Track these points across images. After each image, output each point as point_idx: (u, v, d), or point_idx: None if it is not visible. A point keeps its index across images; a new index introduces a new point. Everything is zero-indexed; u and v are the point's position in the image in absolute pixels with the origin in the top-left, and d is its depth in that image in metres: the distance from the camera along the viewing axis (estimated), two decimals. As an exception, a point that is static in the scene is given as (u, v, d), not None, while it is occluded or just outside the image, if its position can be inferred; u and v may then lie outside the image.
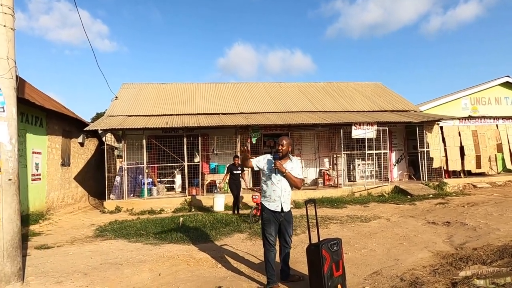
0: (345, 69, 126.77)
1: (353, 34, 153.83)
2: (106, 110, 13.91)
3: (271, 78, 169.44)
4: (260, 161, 4.02)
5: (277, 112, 13.91)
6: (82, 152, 13.60)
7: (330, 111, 14.17)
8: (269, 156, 3.97)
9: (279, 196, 3.91)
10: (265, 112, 13.88)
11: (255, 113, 13.74)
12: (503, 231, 6.15)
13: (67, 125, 11.91)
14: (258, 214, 7.36)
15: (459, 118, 13.84)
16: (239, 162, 9.02)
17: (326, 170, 13.56)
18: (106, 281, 4.38)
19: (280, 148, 3.93)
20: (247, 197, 10.60)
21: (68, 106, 14.44)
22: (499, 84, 16.03)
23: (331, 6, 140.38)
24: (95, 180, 14.56)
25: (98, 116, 32.64)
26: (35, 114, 9.72)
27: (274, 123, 11.68)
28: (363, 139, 12.38)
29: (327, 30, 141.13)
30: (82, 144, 13.47)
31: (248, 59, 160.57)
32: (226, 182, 9.70)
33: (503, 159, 14.36)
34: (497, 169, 14.65)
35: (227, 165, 9.93)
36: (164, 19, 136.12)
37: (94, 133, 14.09)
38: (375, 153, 12.71)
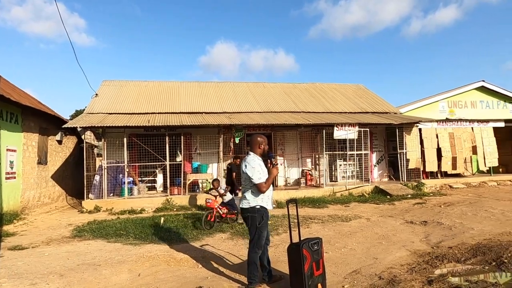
0: (327, 70, 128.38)
1: (336, 35, 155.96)
2: (85, 107, 13.57)
3: (253, 77, 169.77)
4: (263, 167, 3.90)
5: (260, 112, 13.93)
6: (60, 150, 13.23)
7: (313, 112, 14.31)
8: (256, 159, 3.91)
9: (271, 194, 4.00)
10: (249, 112, 13.88)
11: (239, 112, 13.72)
12: (477, 230, 6.38)
13: (44, 122, 11.55)
14: (213, 219, 7.24)
15: (437, 121, 14.27)
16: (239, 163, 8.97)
17: (309, 170, 13.69)
18: (83, 283, 4.28)
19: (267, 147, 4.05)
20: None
21: (46, 103, 14.04)
22: (475, 88, 16.60)
23: (314, 6, 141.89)
24: (73, 179, 14.19)
25: (78, 113, 31.81)
26: (10, 110, 9.38)
27: (257, 123, 11.69)
28: (344, 140, 12.57)
29: (310, 30, 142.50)
30: (60, 142, 13.10)
31: (230, 57, 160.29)
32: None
33: (477, 161, 14.90)
34: (472, 171, 15.17)
35: (228, 165, 9.98)
36: (144, 15, 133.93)
37: (73, 131, 13.73)
38: (356, 154, 12.93)
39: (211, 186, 8.35)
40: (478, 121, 14.71)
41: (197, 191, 12.16)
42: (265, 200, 3.86)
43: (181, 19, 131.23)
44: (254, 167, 3.77)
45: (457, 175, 14.41)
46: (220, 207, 7.54)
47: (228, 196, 7.93)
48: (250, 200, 3.82)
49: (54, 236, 7.05)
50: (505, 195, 11.03)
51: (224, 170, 12.35)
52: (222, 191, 7.89)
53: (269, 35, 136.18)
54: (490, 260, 4.60)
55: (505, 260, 4.48)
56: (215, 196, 7.92)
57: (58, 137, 12.72)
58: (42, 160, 11.37)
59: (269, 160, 3.98)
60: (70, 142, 14.38)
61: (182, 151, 11.62)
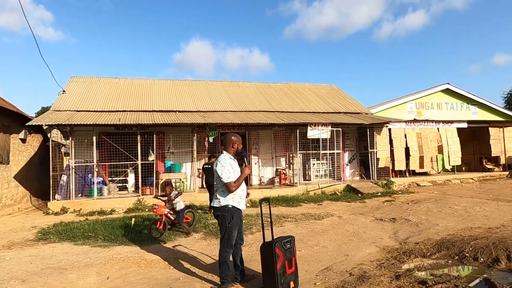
0: (302, 70, 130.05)
1: (310, 36, 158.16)
2: (52, 104, 12.98)
3: (229, 76, 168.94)
4: (234, 166, 3.86)
5: (235, 111, 13.89)
6: (24, 149, 12.57)
7: (287, 112, 14.44)
8: (228, 158, 3.88)
9: (245, 193, 3.98)
10: (223, 111, 13.80)
11: (213, 111, 13.61)
12: (441, 226, 6.67)
13: (6, 119, 10.92)
14: (162, 227, 6.56)
15: (405, 121, 14.80)
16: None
17: (283, 169, 13.81)
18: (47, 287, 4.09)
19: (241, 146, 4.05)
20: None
21: (9, 99, 13.29)
22: (441, 91, 17.38)
23: (289, 6, 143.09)
24: (38, 179, 13.53)
25: (44, 110, 30.40)
26: (-32, 107, 8.82)
27: (231, 122, 11.64)
28: (318, 140, 12.78)
29: (285, 30, 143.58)
30: (24, 141, 12.45)
31: (205, 55, 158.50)
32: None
33: (443, 160, 15.59)
34: (438, 169, 15.85)
35: (204, 165, 9.43)
36: (115, 10, 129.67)
37: (38, 129, 13.10)
38: (329, 153, 13.18)
39: (163, 192, 7.40)
40: (443, 121, 15.40)
41: (170, 191, 11.93)
42: (236, 200, 3.84)
43: (154, 14, 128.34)
44: (224, 166, 3.76)
45: (424, 174, 15.02)
46: (170, 212, 6.80)
47: (180, 205, 6.91)
48: (221, 200, 3.81)
49: (16, 240, 6.69)
50: (467, 192, 11.61)
51: (198, 169, 12.21)
52: (173, 197, 6.93)
53: (245, 34, 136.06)
54: (454, 254, 4.82)
55: (467, 254, 4.71)
56: (165, 202, 7.03)
57: (21, 135, 12.08)
58: (3, 160, 10.76)
59: (242, 159, 3.97)
60: (35, 141, 13.70)
61: (155, 150, 11.38)
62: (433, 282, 3.68)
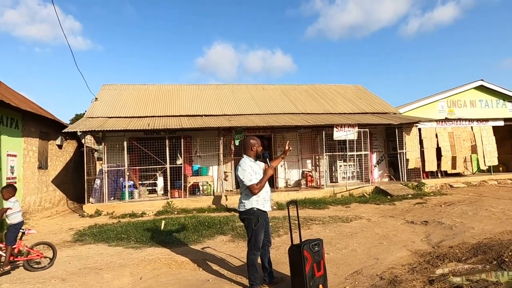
0: (325, 70, 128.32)
1: (333, 35, 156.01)
2: (85, 111, 13.60)
3: (251, 78, 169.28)
4: (255, 168, 3.90)
5: (260, 114, 13.95)
6: (60, 155, 13.25)
7: (313, 113, 14.33)
8: (248, 161, 3.92)
9: (269, 195, 4.00)
10: (248, 114, 13.90)
11: (238, 115, 13.74)
12: (477, 229, 6.38)
13: (44, 126, 11.58)
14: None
15: (436, 120, 14.28)
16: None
17: (309, 172, 13.70)
18: (85, 287, 4.29)
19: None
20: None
21: (46, 108, 14.06)
22: (474, 88, 16.62)
23: (311, 5, 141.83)
24: (74, 183, 14.19)
25: (78, 117, 31.85)
26: (10, 116, 9.40)
27: (257, 125, 11.71)
28: (344, 141, 12.58)
29: (307, 30, 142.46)
30: (60, 147, 13.12)
31: (227, 58, 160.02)
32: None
33: (477, 160, 14.90)
34: (472, 170, 15.18)
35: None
36: (139, 18, 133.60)
37: (73, 135, 13.75)
38: (356, 155, 12.93)
39: None
40: (478, 120, 14.72)
41: (198, 193, 12.16)
42: (261, 202, 3.87)
43: (175, 20, 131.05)
44: (245, 169, 3.80)
45: (457, 175, 14.42)
46: None
47: (15, 217, 4.97)
48: (245, 203, 3.86)
49: (55, 241, 7.04)
50: (505, 193, 11.03)
51: (224, 172, 12.36)
52: (7, 206, 4.91)
53: (266, 35, 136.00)
54: (491, 259, 4.61)
55: (506, 259, 4.49)
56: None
57: (58, 141, 12.74)
58: (42, 165, 11.38)
59: (264, 161, 3.99)
60: (70, 147, 14.40)
61: (182, 154, 11.63)
62: (470, 288, 3.54)
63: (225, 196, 10.97)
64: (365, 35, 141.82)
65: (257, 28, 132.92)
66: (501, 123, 14.79)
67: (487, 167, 14.77)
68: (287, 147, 4.14)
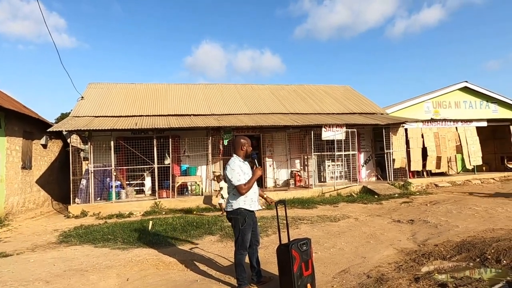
0: (314, 71, 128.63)
1: (321, 36, 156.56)
2: (71, 110, 13.35)
3: (240, 78, 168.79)
4: (244, 168, 3.89)
5: (249, 114, 13.94)
6: (45, 154, 12.98)
7: (301, 113, 14.40)
8: (237, 161, 3.91)
9: (257, 195, 3.99)
10: (237, 114, 13.88)
11: (227, 114, 13.71)
12: (461, 227, 6.52)
13: (28, 126, 11.32)
14: None
15: (422, 121, 14.54)
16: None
17: (297, 171, 13.77)
18: (70, 289, 4.21)
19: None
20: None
21: (30, 106, 13.76)
22: (458, 89, 16.96)
23: (299, 5, 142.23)
24: (59, 184, 13.93)
25: (63, 116, 31.24)
26: (-7, 114, 9.17)
27: (246, 124, 11.70)
28: (332, 141, 12.69)
29: (295, 30, 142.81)
30: (45, 146, 12.86)
31: (216, 58, 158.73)
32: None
33: (462, 160, 15.23)
34: (457, 169, 15.49)
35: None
36: (126, 16, 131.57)
37: (58, 135, 13.50)
38: (344, 154, 13.06)
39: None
40: (462, 121, 15.05)
41: (186, 193, 12.08)
42: (248, 202, 3.87)
43: (163, 19, 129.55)
44: (234, 169, 3.80)
45: (443, 174, 14.71)
46: None
47: None
48: (233, 203, 3.86)
49: (39, 242, 6.91)
50: (488, 192, 11.29)
51: (213, 172, 12.32)
52: None
53: (255, 35, 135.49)
54: (475, 256, 4.71)
55: (489, 257, 4.59)
56: None
57: (43, 141, 12.48)
58: (26, 165, 11.13)
59: (252, 161, 4.00)
60: (55, 146, 14.12)
61: (171, 154, 11.54)
62: (454, 285, 3.61)
63: (214, 196, 10.92)
64: (353, 35, 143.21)
65: (246, 28, 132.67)
66: (485, 124, 15.15)
67: (472, 167, 15.11)
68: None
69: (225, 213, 7.48)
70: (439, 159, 14.31)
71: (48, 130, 10.79)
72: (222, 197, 9.04)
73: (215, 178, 9.15)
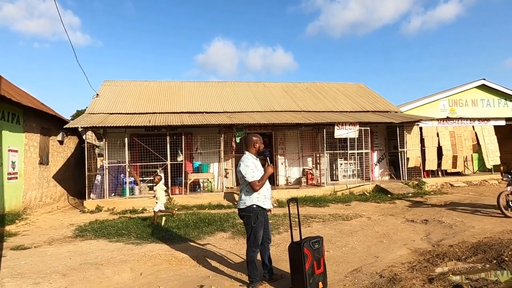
0: (326, 68, 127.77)
1: (334, 33, 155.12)
2: (86, 107, 13.61)
3: (252, 76, 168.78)
4: (257, 165, 3.94)
5: (261, 112, 13.94)
6: (61, 150, 13.27)
7: (314, 111, 14.32)
8: (251, 158, 3.94)
9: (269, 193, 4.00)
10: (249, 111, 13.89)
11: (239, 112, 13.73)
12: (477, 228, 6.38)
13: (45, 122, 11.59)
14: None
15: (437, 119, 14.25)
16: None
17: (309, 169, 13.70)
18: (86, 282, 4.30)
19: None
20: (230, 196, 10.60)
21: (47, 103, 14.07)
22: (476, 87, 16.57)
23: (312, 2, 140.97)
24: (75, 179, 14.23)
25: (79, 113, 31.85)
26: (12, 111, 9.42)
27: (258, 122, 11.70)
28: (345, 139, 12.57)
29: (308, 27, 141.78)
30: (61, 142, 13.14)
31: (228, 56, 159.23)
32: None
33: (478, 159, 14.87)
34: (473, 169, 15.14)
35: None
36: (138, 14, 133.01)
37: (74, 131, 13.76)
38: (357, 153, 12.93)
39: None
40: (479, 119, 14.69)
41: (199, 190, 12.18)
42: (261, 199, 3.87)
43: (175, 17, 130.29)
44: (248, 165, 3.81)
45: (458, 174, 14.41)
46: None
47: None
48: (246, 200, 3.86)
49: (56, 236, 7.08)
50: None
51: (225, 169, 12.38)
52: None
53: (267, 32, 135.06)
54: (491, 258, 4.61)
55: (506, 258, 4.49)
56: None
57: (59, 137, 12.77)
58: (43, 161, 11.41)
59: (264, 159, 4.01)
60: (71, 142, 14.42)
61: (183, 151, 11.64)
62: (469, 287, 3.54)
63: (226, 193, 10.98)
64: (366, 32, 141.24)
65: (258, 25, 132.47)
66: (503, 123, 14.75)
67: (491, 167, 14.74)
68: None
69: (159, 221, 7.41)
70: (455, 158, 14.01)
71: (64, 126, 11.03)
72: (156, 202, 8.00)
73: (154, 180, 8.47)
